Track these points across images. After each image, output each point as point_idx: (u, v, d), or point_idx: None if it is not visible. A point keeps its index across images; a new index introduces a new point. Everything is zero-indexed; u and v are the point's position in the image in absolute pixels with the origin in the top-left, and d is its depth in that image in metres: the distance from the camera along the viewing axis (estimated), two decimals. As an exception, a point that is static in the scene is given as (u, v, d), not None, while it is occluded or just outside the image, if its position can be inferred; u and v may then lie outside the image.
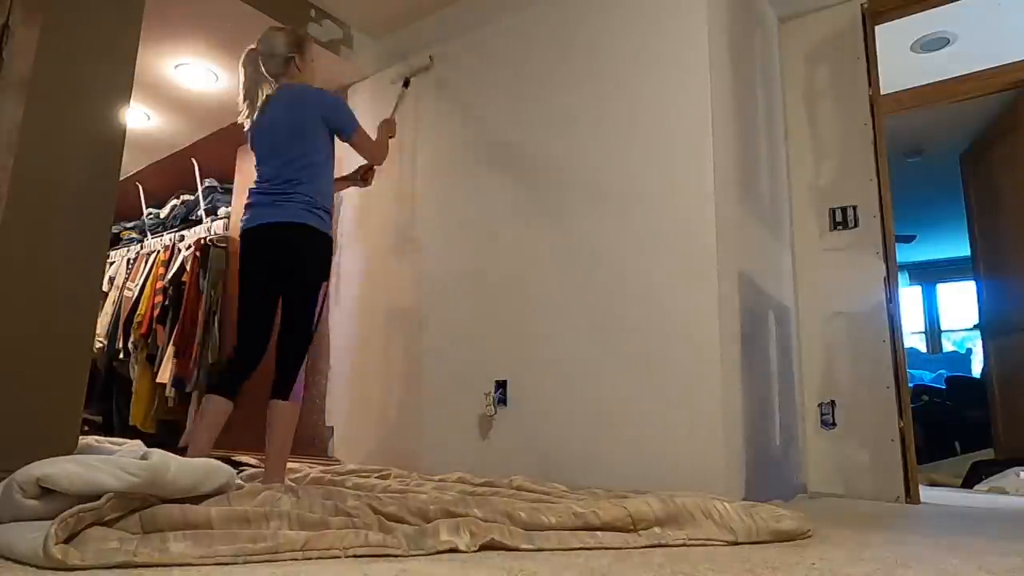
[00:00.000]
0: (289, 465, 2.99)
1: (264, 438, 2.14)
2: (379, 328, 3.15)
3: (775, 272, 2.69)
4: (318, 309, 2.23)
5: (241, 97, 2.31)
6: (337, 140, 2.34)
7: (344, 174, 2.66)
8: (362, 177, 2.67)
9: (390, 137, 2.70)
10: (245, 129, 2.32)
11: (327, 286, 2.27)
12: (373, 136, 2.52)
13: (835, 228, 2.84)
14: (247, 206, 2.24)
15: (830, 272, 2.82)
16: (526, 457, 2.49)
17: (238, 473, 2.35)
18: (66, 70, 1.84)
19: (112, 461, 1.22)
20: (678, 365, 2.20)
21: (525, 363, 2.58)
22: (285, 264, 2.18)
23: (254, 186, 2.24)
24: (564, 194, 2.60)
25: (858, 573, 1.15)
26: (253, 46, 2.34)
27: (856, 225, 2.79)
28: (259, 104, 2.29)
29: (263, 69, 2.32)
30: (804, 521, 1.55)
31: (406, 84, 3.22)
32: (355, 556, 1.19)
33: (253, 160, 2.30)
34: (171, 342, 3.80)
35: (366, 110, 3.49)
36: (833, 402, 2.73)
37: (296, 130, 2.22)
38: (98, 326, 3.67)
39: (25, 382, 1.68)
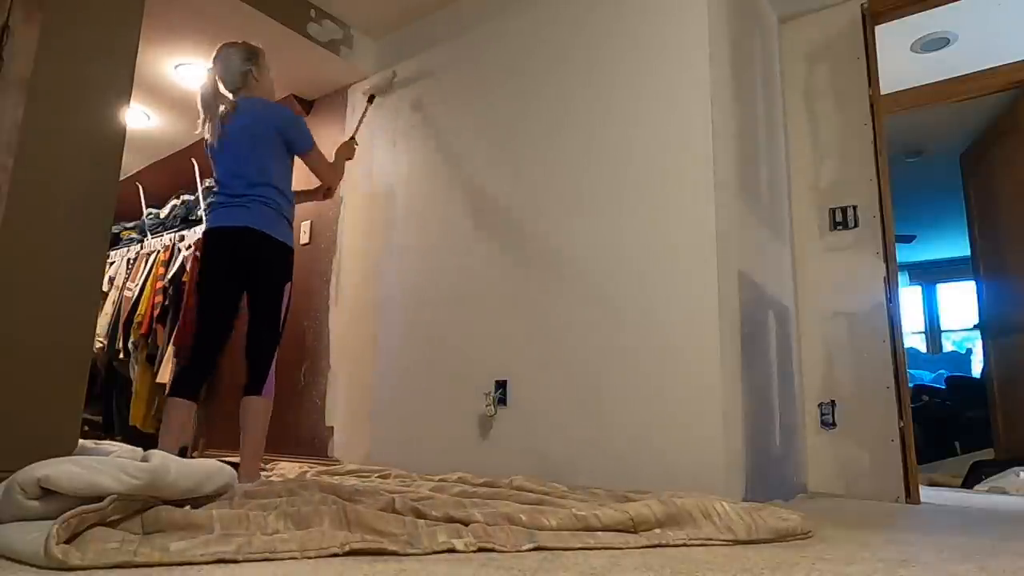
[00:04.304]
0: (289, 465, 3.00)
1: (267, 440, 2.18)
2: (379, 328, 3.15)
3: (775, 272, 2.69)
4: (284, 308, 2.34)
5: (201, 117, 2.40)
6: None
7: (307, 188, 2.80)
8: (324, 194, 2.80)
9: (348, 159, 2.81)
10: (207, 142, 2.41)
11: (290, 287, 2.39)
12: (330, 157, 2.68)
13: (835, 228, 2.84)
14: (211, 208, 2.36)
15: (830, 272, 2.82)
16: (526, 457, 2.49)
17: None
18: (66, 70, 1.83)
19: (113, 463, 1.23)
20: (678, 365, 2.20)
21: (525, 363, 2.58)
22: (247, 266, 2.28)
23: (217, 191, 2.37)
24: (564, 194, 2.60)
25: (858, 573, 1.15)
26: (207, 79, 2.44)
27: (856, 225, 2.79)
28: (220, 117, 2.38)
29: (221, 87, 2.44)
30: (804, 521, 1.55)
31: (371, 100, 3.29)
32: (354, 556, 1.20)
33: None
34: (171, 342, 3.80)
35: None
36: (833, 402, 2.73)
37: (257, 140, 2.34)
38: (98, 326, 3.67)
39: (25, 382, 1.68)
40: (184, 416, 2.20)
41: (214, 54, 2.46)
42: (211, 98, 2.40)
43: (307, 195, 2.81)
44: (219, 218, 2.30)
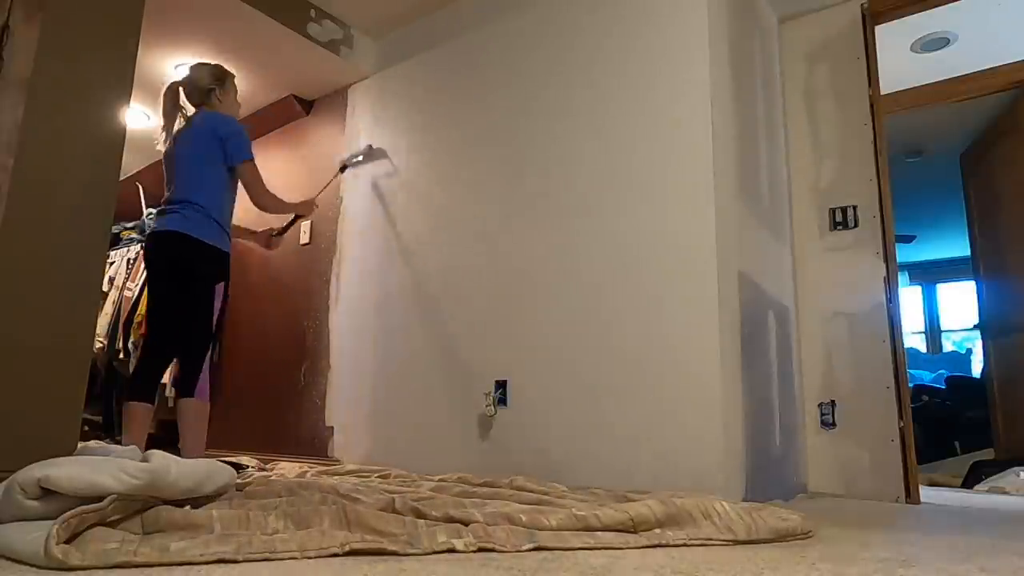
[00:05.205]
0: (289, 465, 3.00)
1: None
2: (379, 328, 3.15)
3: (775, 272, 2.69)
4: (214, 310, 2.40)
5: (160, 127, 2.53)
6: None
7: (251, 228, 2.98)
8: (268, 242, 2.96)
9: (300, 216, 2.94)
10: (163, 154, 2.53)
11: (224, 288, 2.45)
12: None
13: (835, 228, 2.84)
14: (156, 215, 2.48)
15: (830, 272, 2.82)
16: (526, 457, 2.49)
17: (240, 472, 2.35)
18: (66, 70, 1.83)
19: (113, 463, 1.23)
20: (678, 365, 2.20)
21: (525, 363, 2.58)
22: (175, 268, 2.35)
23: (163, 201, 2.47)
24: (564, 194, 2.60)
25: (858, 573, 1.15)
26: (176, 79, 2.59)
27: (856, 225, 2.79)
28: (175, 130, 2.52)
29: (184, 99, 2.56)
30: (804, 521, 1.55)
31: (342, 169, 3.40)
32: (354, 556, 1.20)
33: None
34: (171, 342, 3.79)
35: (365, 111, 3.50)
36: (833, 402, 2.73)
37: (196, 149, 2.42)
38: (98, 326, 3.67)
39: (25, 382, 1.68)
40: (141, 418, 2.25)
41: (189, 67, 2.60)
42: (170, 107, 2.54)
43: (249, 235, 2.95)
44: (156, 224, 2.40)
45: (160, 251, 2.37)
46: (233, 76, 2.64)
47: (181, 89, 2.56)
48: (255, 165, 2.50)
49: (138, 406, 2.25)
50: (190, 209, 2.36)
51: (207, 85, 2.53)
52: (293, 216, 2.96)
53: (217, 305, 2.41)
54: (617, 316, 2.37)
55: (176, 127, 2.55)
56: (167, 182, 2.47)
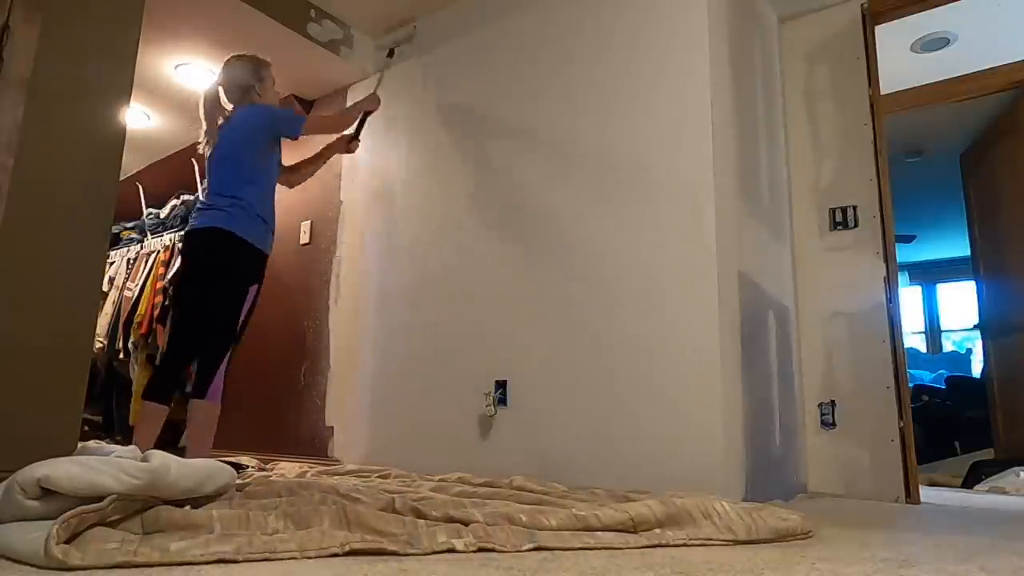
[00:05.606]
0: (289, 465, 3.00)
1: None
2: (379, 328, 3.15)
3: (775, 272, 2.69)
4: (244, 311, 2.32)
5: (203, 131, 2.46)
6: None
7: (327, 143, 2.84)
8: (347, 147, 2.85)
9: (370, 111, 2.81)
10: (205, 156, 2.46)
11: (256, 290, 2.36)
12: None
13: (835, 228, 2.84)
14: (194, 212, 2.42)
15: (830, 272, 2.82)
16: (526, 457, 2.49)
17: (240, 472, 2.36)
18: (66, 70, 1.83)
19: (113, 463, 1.23)
20: (678, 365, 2.20)
21: (525, 363, 2.58)
22: (210, 266, 2.28)
23: (201, 197, 2.41)
24: (564, 194, 2.60)
25: (858, 573, 1.15)
26: (214, 84, 2.50)
27: (856, 225, 2.79)
28: (215, 129, 2.44)
29: (223, 99, 2.49)
30: (804, 521, 1.55)
31: (390, 54, 3.26)
32: (354, 556, 1.19)
33: None
34: (171, 342, 3.79)
35: (366, 110, 3.49)
36: (833, 402, 2.73)
37: (239, 144, 2.37)
38: (98, 326, 3.67)
39: (25, 382, 1.68)
40: (154, 418, 2.22)
41: (222, 68, 2.51)
42: (211, 109, 2.46)
43: (327, 152, 2.81)
44: (196, 220, 2.34)
45: (191, 247, 2.32)
46: (270, 64, 2.55)
47: (221, 89, 2.48)
48: (312, 116, 2.58)
49: (152, 406, 2.21)
50: (235, 207, 2.30)
51: (247, 83, 2.47)
52: (362, 114, 2.81)
53: (246, 308, 2.33)
54: (617, 316, 2.37)
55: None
56: (206, 180, 2.41)
